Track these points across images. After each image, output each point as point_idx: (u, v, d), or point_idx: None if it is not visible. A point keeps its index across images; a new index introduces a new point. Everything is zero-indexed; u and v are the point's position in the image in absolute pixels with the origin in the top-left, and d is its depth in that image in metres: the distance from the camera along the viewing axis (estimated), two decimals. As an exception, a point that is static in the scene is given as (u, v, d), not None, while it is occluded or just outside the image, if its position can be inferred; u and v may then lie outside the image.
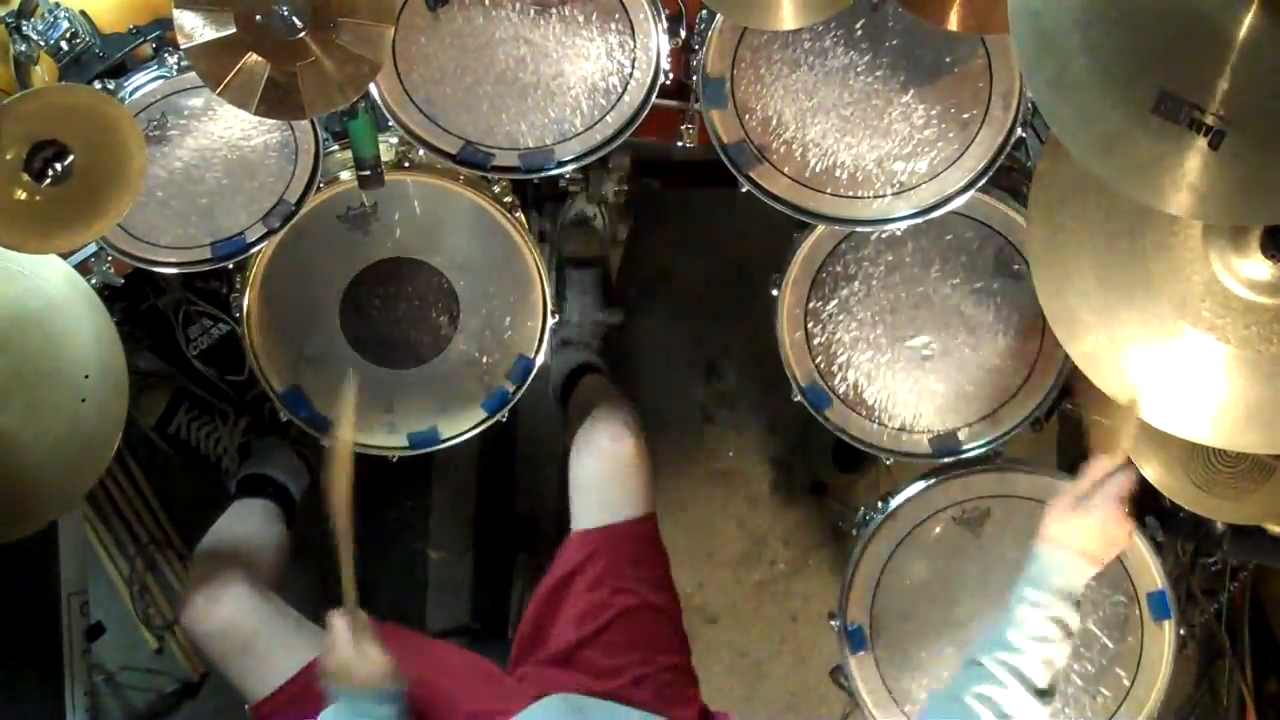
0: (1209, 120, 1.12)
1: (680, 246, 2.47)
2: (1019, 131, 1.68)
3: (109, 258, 1.68)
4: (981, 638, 1.49)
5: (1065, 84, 1.15)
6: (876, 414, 1.95)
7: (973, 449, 1.92)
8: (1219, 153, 1.12)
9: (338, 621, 1.54)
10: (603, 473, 1.86)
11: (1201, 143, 1.12)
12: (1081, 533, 1.47)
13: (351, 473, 1.49)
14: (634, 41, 1.68)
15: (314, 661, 1.71)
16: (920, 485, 1.89)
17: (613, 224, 2.36)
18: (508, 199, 1.85)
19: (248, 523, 2.03)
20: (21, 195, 1.35)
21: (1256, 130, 1.12)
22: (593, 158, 1.75)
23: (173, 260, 1.71)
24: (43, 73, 1.59)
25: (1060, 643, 1.45)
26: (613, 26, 1.68)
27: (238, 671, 1.77)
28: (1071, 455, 2.43)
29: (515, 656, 1.81)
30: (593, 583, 1.77)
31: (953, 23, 1.49)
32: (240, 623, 1.77)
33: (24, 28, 1.54)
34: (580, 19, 1.67)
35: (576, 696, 1.65)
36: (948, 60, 1.69)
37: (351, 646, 1.52)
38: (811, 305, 1.91)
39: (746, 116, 1.73)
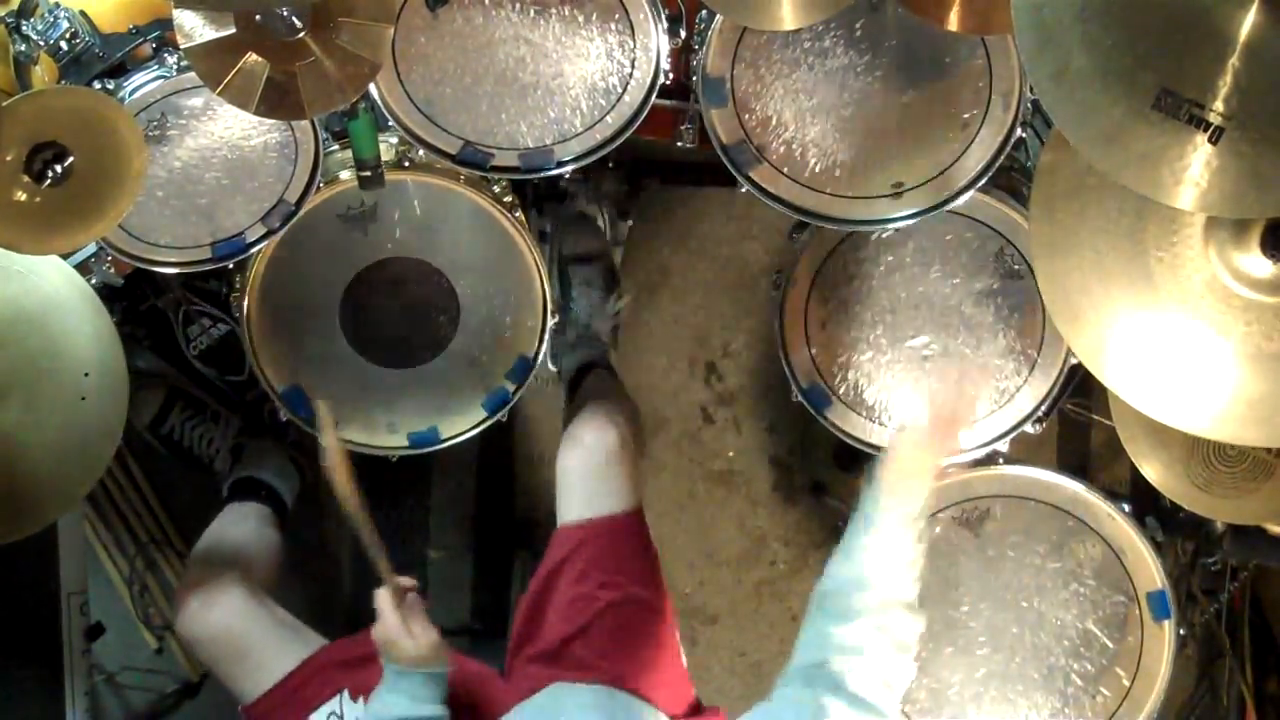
0: (1209, 117, 1.12)
1: (680, 246, 2.46)
2: (1019, 131, 1.68)
3: (109, 257, 1.68)
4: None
5: (1066, 78, 1.15)
6: (876, 414, 1.95)
7: (972, 449, 1.92)
8: (1219, 147, 1.13)
9: (382, 597, 1.55)
10: (584, 468, 1.84)
11: (1201, 137, 1.13)
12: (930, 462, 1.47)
13: (346, 464, 1.50)
14: (634, 41, 1.68)
15: (306, 661, 1.75)
16: (920, 485, 1.89)
17: (613, 224, 2.36)
18: (508, 199, 1.85)
19: (241, 526, 2.03)
20: (21, 196, 1.35)
21: (1257, 125, 1.12)
22: (593, 158, 1.75)
23: (173, 260, 1.71)
24: (43, 73, 1.59)
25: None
26: (613, 26, 1.68)
27: (232, 675, 1.78)
28: (1072, 455, 2.43)
29: (510, 652, 1.81)
30: (578, 577, 1.76)
31: (953, 23, 1.49)
32: (234, 627, 1.78)
33: (24, 27, 1.54)
34: (580, 19, 1.67)
35: (568, 685, 1.64)
36: (948, 60, 1.69)
37: (398, 622, 1.53)
38: (811, 305, 1.91)
39: (746, 116, 1.73)
